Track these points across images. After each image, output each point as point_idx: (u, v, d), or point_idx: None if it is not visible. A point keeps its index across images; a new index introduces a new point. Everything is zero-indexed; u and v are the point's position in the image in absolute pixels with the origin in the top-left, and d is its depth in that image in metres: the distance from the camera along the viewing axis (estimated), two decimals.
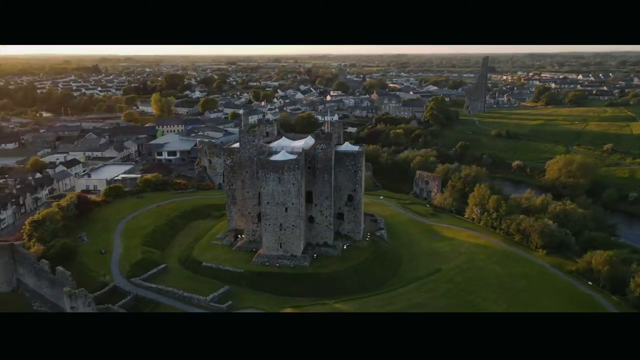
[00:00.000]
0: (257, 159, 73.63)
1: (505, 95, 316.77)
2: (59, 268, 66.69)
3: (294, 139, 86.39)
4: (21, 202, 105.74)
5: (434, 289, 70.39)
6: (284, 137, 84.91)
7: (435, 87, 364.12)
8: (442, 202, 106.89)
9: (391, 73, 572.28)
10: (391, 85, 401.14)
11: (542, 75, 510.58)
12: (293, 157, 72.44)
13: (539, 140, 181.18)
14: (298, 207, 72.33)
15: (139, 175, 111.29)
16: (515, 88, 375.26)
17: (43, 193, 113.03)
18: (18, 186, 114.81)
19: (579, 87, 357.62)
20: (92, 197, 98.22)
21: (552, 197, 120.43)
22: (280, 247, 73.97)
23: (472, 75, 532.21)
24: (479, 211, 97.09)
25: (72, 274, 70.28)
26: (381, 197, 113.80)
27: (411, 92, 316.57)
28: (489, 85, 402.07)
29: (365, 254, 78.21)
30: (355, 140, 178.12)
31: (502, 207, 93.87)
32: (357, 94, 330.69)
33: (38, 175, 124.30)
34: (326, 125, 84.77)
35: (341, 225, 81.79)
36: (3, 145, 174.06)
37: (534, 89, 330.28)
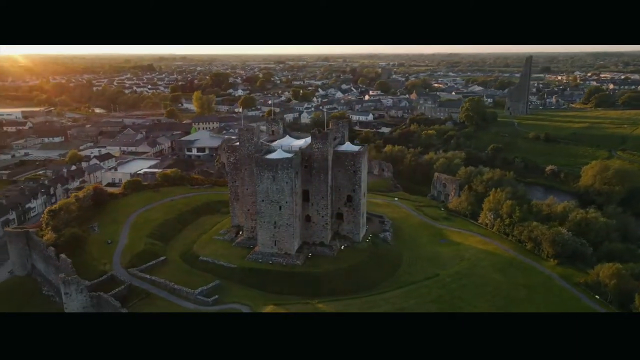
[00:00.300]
0: (254, 157, 74.59)
1: (554, 97, 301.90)
2: (62, 255, 70.68)
3: (299, 138, 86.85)
4: (52, 192, 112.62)
5: (425, 294, 68.65)
6: (287, 135, 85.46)
7: (480, 88, 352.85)
8: (457, 206, 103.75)
9: (439, 73, 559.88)
10: (436, 85, 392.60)
11: (602, 75, 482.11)
12: (288, 155, 72.87)
13: (579, 144, 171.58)
14: (292, 206, 72.66)
15: (160, 170, 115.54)
16: (567, 89, 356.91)
17: (74, 184, 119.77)
18: (53, 177, 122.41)
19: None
20: (113, 189, 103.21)
21: (580, 204, 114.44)
22: (275, 244, 74.61)
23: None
24: (492, 216, 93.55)
25: (77, 262, 74.35)
26: (396, 199, 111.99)
27: (453, 93, 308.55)
28: (540, 85, 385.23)
29: (362, 256, 77.42)
30: (385, 141, 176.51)
31: (515, 213, 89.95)
32: (399, 93, 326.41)
33: (73, 167, 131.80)
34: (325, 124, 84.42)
35: (340, 226, 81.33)
36: (51, 138, 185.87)
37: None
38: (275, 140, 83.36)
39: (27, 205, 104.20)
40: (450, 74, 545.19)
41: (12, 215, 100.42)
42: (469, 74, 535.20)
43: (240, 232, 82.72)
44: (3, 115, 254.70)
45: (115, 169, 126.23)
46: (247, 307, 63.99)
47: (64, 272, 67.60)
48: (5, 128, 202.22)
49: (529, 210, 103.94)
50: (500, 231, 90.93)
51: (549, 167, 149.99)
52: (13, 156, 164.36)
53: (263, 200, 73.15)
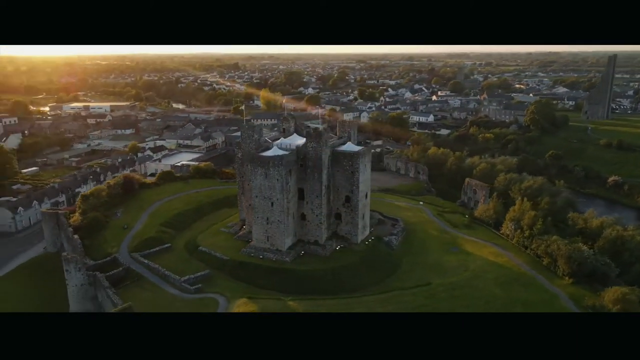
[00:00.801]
0: (249, 154, 76.51)
1: None
2: (75, 236, 77.72)
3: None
4: (101, 179, 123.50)
5: (408, 302, 66.05)
6: (295, 134, 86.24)
7: (565, 89, 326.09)
8: (483, 214, 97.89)
9: (526, 73, 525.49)
10: (517, 86, 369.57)
11: None
12: (280, 153, 73.80)
13: None
14: (283, 203, 73.51)
15: (194, 163, 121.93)
16: None
17: (124, 173, 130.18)
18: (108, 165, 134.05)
19: None
20: (150, 179, 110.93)
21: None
22: (268, 240, 76.00)
23: (627, 75, 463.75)
24: (513, 227, 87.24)
25: (92, 243, 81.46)
26: (421, 203, 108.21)
27: (531, 94, 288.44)
28: (638, 87, 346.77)
29: (354, 258, 76.21)
30: (439, 143, 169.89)
31: (536, 225, 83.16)
32: (472, 94, 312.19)
33: (128, 157, 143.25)
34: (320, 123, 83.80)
35: (339, 226, 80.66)
36: (123, 130, 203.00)
37: None
38: (280, 138, 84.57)
39: (77, 190, 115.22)
40: (540, 74, 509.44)
41: (62, 198, 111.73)
42: (561, 74, 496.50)
43: (244, 226, 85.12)
44: (95, 108, 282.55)
45: (160, 160, 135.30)
46: (224, 297, 66.04)
47: (73, 251, 74.43)
48: (88, 120, 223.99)
49: (564, 222, 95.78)
50: (520, 243, 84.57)
51: (611, 178, 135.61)
52: (88, 145, 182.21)
53: (257, 196, 74.87)
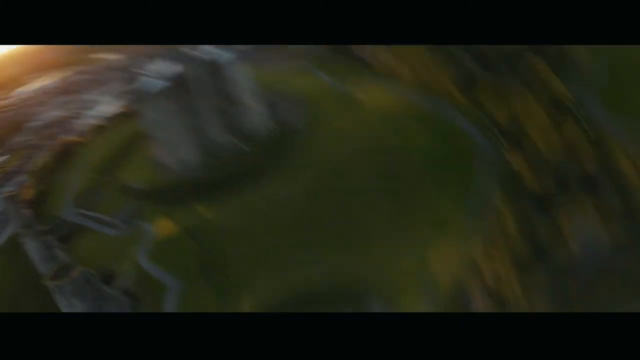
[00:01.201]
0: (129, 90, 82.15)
1: None
2: (24, 210, 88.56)
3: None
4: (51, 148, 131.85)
5: (301, 179, 74.17)
6: (169, 60, 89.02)
7: None
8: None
9: None
10: None
11: None
12: (155, 82, 79.27)
13: None
14: (177, 126, 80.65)
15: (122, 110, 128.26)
16: None
17: (62, 138, 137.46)
18: None
19: None
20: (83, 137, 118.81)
21: None
22: (176, 159, 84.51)
23: None
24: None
25: (42, 212, 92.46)
26: (317, 70, 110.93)
27: None
28: None
29: (256, 151, 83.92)
30: None
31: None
32: None
33: None
34: None
35: (238, 125, 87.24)
36: (68, 97, 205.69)
37: None
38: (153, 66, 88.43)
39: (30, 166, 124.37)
40: None
41: (23, 177, 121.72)
42: None
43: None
44: (44, 85, 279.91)
45: (92, 116, 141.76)
46: (149, 224, 76.04)
47: (29, 224, 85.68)
48: (39, 98, 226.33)
49: None
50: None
51: None
52: (41, 121, 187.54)
53: (150, 126, 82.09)
